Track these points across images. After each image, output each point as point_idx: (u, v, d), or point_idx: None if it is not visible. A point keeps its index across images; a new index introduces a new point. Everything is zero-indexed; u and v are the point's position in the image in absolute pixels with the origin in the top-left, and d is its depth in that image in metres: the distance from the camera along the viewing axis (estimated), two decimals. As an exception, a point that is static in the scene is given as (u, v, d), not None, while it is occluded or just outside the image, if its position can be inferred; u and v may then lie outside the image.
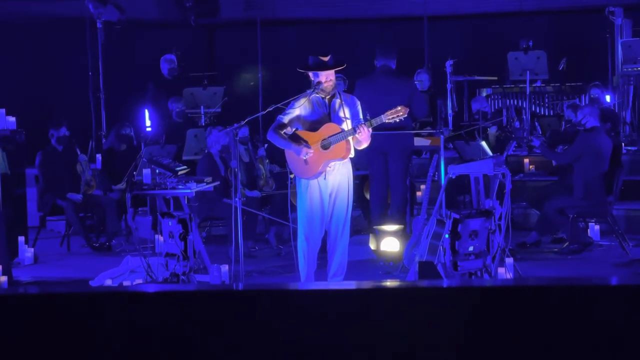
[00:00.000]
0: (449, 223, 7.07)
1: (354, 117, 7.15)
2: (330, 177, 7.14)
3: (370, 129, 6.96)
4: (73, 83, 12.90)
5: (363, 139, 7.00)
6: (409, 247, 8.13)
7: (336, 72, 7.29)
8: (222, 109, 11.96)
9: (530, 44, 12.39)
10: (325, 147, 7.06)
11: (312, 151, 7.07)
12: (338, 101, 7.18)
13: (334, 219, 7.23)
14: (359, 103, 7.26)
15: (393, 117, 6.97)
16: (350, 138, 7.04)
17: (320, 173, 7.12)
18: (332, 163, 7.10)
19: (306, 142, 7.13)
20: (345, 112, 7.15)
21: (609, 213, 9.07)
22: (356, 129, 6.95)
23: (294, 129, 7.24)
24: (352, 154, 7.23)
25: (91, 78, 12.35)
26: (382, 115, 6.98)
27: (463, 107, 12.71)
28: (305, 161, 7.11)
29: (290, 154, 7.21)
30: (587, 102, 11.57)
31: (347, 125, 7.11)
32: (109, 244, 10.02)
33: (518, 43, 12.56)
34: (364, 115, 7.42)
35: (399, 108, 6.97)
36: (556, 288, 3.35)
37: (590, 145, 8.87)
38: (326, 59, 7.15)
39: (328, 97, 7.20)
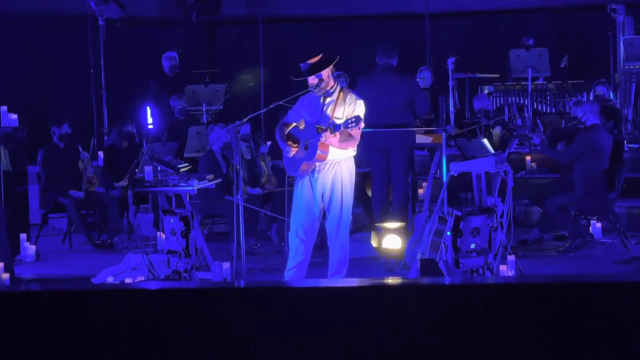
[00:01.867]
0: (451, 220, 7.08)
1: (329, 123, 7.09)
2: (320, 176, 7.16)
3: (335, 135, 6.92)
4: (75, 80, 12.90)
5: (329, 143, 6.99)
6: (410, 244, 8.13)
7: (337, 70, 7.28)
8: (223, 106, 11.96)
9: (531, 42, 12.37)
10: (306, 147, 7.11)
11: (292, 151, 7.14)
12: (332, 100, 7.16)
13: (329, 217, 7.26)
14: (355, 103, 7.15)
15: (351, 127, 6.90)
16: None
17: (305, 172, 7.16)
18: (317, 163, 7.12)
19: (293, 141, 7.20)
20: (336, 113, 7.12)
21: (611, 210, 9.06)
22: (320, 135, 6.95)
23: (295, 126, 7.29)
24: (351, 153, 7.21)
25: (93, 75, 12.35)
26: (341, 123, 6.94)
27: (465, 105, 12.69)
28: (293, 159, 7.18)
29: (284, 150, 7.31)
30: (592, 99, 11.54)
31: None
32: (111, 241, 10.03)
33: (520, 40, 12.55)
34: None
35: (353, 118, 6.88)
36: (558, 285, 3.35)
37: (591, 143, 8.86)
38: (311, 61, 7.13)
39: (324, 95, 7.19)
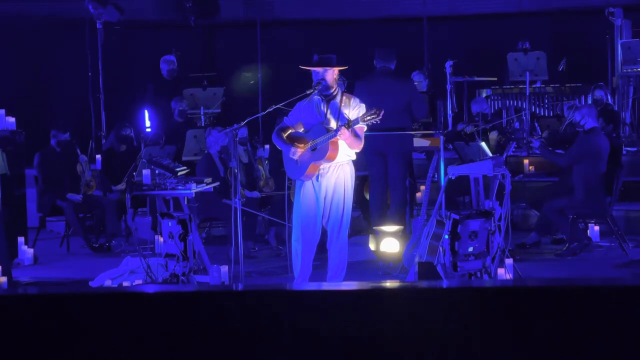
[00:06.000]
0: (449, 224, 7.07)
1: (344, 119, 7.11)
2: (323, 179, 7.16)
3: (350, 131, 6.92)
4: (73, 83, 12.90)
5: (344, 140, 6.98)
6: (408, 247, 8.13)
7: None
8: (221, 110, 11.96)
9: (527, 45, 12.38)
10: (313, 149, 7.10)
11: (299, 153, 7.12)
12: (335, 103, 7.18)
13: (330, 220, 7.25)
14: (359, 106, 7.22)
15: (370, 119, 6.92)
16: (338, 140, 7.02)
17: (311, 175, 7.14)
18: (323, 165, 7.11)
19: (298, 143, 7.17)
20: (341, 114, 7.14)
21: (609, 214, 9.07)
22: (337, 131, 6.95)
23: (294, 130, 7.29)
24: (352, 157, 7.23)
25: (91, 78, 12.36)
26: (358, 117, 6.97)
27: (463, 108, 12.70)
28: (297, 162, 7.17)
29: (285, 155, 7.27)
30: (590, 103, 11.54)
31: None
32: (109, 244, 10.02)
33: (517, 44, 12.56)
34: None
35: (374, 110, 6.92)
36: (556, 289, 3.35)
37: (590, 146, 8.87)
38: (325, 55, 7.21)
39: (327, 98, 7.20)
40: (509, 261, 7.69)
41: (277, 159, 10.04)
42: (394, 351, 3.20)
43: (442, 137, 8.61)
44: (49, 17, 13.32)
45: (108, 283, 8.16)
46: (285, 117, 7.42)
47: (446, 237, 7.08)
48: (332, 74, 7.17)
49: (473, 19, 14.31)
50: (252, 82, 13.13)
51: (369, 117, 6.88)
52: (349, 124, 6.92)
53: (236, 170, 7.57)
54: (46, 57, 13.63)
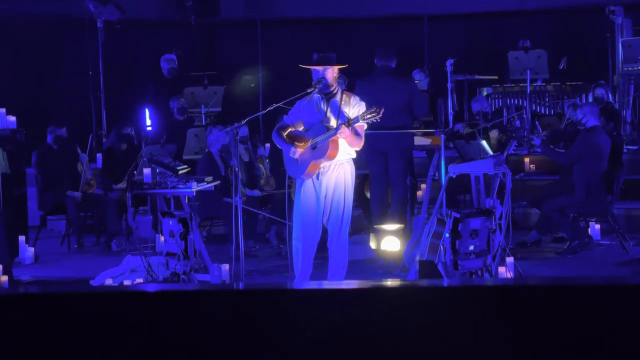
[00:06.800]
0: (450, 222, 7.08)
1: (344, 118, 7.11)
2: (324, 178, 7.16)
3: (350, 129, 6.92)
4: (73, 83, 12.90)
5: (344, 138, 6.98)
6: (409, 246, 8.12)
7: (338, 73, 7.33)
8: (222, 108, 11.96)
9: (528, 43, 12.37)
10: (313, 147, 7.09)
11: (299, 151, 7.11)
12: (335, 101, 7.18)
13: (330, 219, 7.25)
14: (359, 104, 7.21)
15: (370, 118, 6.91)
16: (338, 138, 7.01)
17: (311, 173, 7.14)
18: (324, 164, 7.11)
19: (298, 142, 7.17)
20: (341, 113, 7.15)
21: (610, 212, 9.07)
22: (337, 129, 6.95)
23: (294, 129, 7.29)
24: (353, 155, 7.23)
25: (91, 77, 12.36)
26: (358, 115, 6.96)
27: (463, 107, 12.69)
28: (297, 161, 7.17)
29: (286, 153, 7.27)
30: (591, 101, 11.53)
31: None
32: (110, 243, 10.02)
33: (518, 42, 12.55)
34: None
35: (375, 108, 6.92)
36: (556, 287, 3.35)
37: (591, 144, 8.87)
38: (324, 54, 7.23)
39: (327, 96, 7.20)
40: (509, 260, 7.69)
41: (277, 158, 10.05)
42: (394, 351, 3.20)
43: (442, 135, 8.61)
44: (49, 16, 13.31)
45: (109, 282, 8.16)
46: (285, 116, 7.42)
47: (447, 235, 7.08)
48: (332, 73, 7.18)
49: (474, 17, 14.30)
50: (252, 84, 13.12)
51: (369, 116, 6.87)
52: (349, 122, 6.92)
53: (237, 169, 7.58)
54: (46, 56, 13.62)
